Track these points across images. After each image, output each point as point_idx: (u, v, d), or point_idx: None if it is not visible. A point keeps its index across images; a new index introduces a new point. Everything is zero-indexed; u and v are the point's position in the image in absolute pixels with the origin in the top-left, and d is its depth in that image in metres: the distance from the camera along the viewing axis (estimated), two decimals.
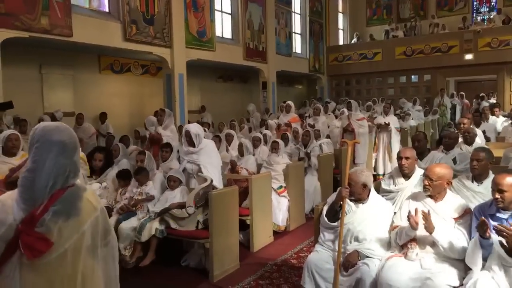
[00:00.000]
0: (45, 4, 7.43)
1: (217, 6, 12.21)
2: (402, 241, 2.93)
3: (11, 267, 1.52)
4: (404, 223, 2.95)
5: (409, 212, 2.82)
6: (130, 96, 11.39)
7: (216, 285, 3.95)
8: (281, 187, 5.55)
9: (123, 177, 4.76)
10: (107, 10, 9.22)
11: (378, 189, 3.55)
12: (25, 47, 8.25)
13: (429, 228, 2.77)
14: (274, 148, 5.72)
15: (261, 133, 7.26)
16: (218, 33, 12.10)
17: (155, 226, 4.23)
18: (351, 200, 3.20)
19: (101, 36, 8.57)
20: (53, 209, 1.53)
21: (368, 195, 3.19)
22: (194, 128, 4.49)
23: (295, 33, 16.27)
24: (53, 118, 7.78)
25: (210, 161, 4.50)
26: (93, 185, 5.09)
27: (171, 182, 4.53)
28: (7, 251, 1.51)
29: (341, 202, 3.13)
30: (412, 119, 11.41)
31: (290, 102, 9.16)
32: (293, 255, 4.64)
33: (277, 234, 5.31)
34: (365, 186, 3.14)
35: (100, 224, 1.68)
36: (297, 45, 16.57)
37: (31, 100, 8.87)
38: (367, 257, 3.00)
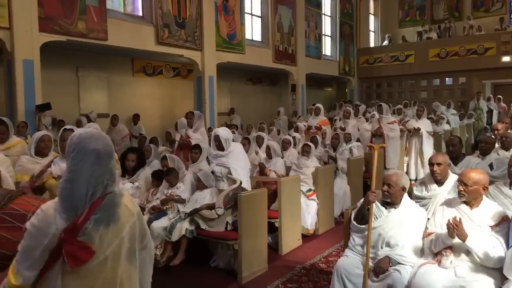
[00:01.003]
0: (82, 8, 7.71)
1: (247, 9, 12.29)
2: (437, 248, 2.86)
3: (53, 274, 1.56)
4: (439, 229, 2.88)
5: (449, 221, 2.74)
6: (161, 98, 11.63)
7: (244, 286, 3.97)
8: (310, 190, 5.52)
9: (157, 177, 4.86)
10: (140, 14, 9.46)
11: (410, 195, 3.48)
12: (63, 50, 8.56)
13: (461, 235, 2.69)
14: (305, 152, 5.69)
15: (291, 135, 7.25)
16: (248, 35, 12.17)
17: (185, 226, 4.30)
18: (384, 203, 3.15)
19: (135, 40, 8.80)
20: (94, 217, 1.55)
21: (401, 200, 3.14)
22: (223, 132, 4.54)
23: (325, 35, 16.15)
24: (88, 119, 8.03)
25: (238, 163, 4.53)
26: (126, 184, 5.22)
27: (197, 183, 4.61)
28: (51, 258, 1.54)
29: (368, 207, 3.09)
30: (447, 123, 11.09)
31: (319, 105, 9.10)
32: (322, 259, 4.61)
33: (305, 237, 5.28)
34: (403, 189, 3.10)
35: (137, 229, 1.71)
36: (327, 48, 16.45)
37: (68, 101, 9.20)
38: (399, 263, 2.95)
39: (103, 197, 1.58)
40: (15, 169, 3.85)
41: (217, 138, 4.50)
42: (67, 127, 3.45)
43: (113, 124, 8.95)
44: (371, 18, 19.38)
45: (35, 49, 7.06)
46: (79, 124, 7.96)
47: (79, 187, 1.55)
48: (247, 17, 12.33)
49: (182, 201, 4.58)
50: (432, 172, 3.39)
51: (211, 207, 4.32)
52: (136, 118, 9.96)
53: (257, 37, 13.01)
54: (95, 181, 1.57)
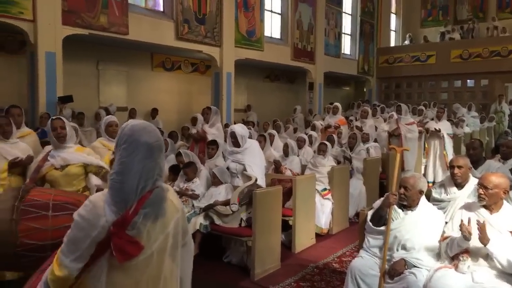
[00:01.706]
0: (105, 3, 7.80)
1: (267, 6, 12.26)
2: (453, 252, 2.81)
3: (98, 268, 1.53)
4: (456, 233, 2.83)
5: (462, 221, 2.70)
6: (179, 93, 11.70)
7: (257, 283, 3.97)
8: (325, 189, 5.49)
9: (174, 172, 4.90)
10: (161, 9, 9.52)
11: (428, 197, 3.42)
12: (84, 43, 8.67)
13: (484, 239, 2.63)
14: (322, 151, 5.66)
15: (306, 134, 7.21)
16: (267, 33, 12.14)
17: (199, 221, 4.32)
18: (400, 206, 3.10)
19: (155, 35, 8.87)
20: (143, 211, 1.52)
21: (418, 203, 3.09)
22: (239, 129, 4.55)
23: (344, 33, 16.01)
24: (108, 112, 8.13)
25: (254, 160, 4.54)
26: None
27: (213, 178, 4.63)
28: (97, 251, 1.51)
29: (388, 209, 3.06)
30: (467, 125, 10.89)
31: (337, 104, 9.03)
32: (335, 259, 4.58)
33: (319, 236, 5.26)
34: (421, 192, 3.06)
35: (180, 225, 1.68)
36: (346, 46, 16.30)
37: (88, 94, 9.33)
38: (415, 266, 2.90)
39: (150, 191, 1.55)
40: (38, 159, 3.93)
41: (233, 135, 4.51)
42: (54, 117, 3.44)
43: (131, 117, 9.05)
44: (393, 17, 19.12)
45: (58, 42, 7.18)
46: (97, 117, 8.08)
47: (130, 180, 1.51)
48: (267, 14, 12.29)
49: (196, 197, 4.61)
50: (453, 175, 3.33)
51: (225, 203, 4.34)
52: (154, 112, 10.06)
53: (276, 34, 12.97)
54: (146, 175, 1.53)
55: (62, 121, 3.26)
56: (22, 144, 3.91)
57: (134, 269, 1.53)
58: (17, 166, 3.67)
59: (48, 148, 3.94)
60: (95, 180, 3.33)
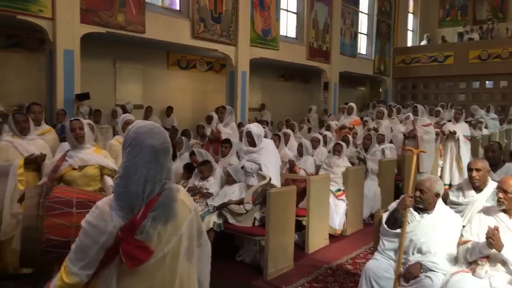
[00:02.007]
0: (122, 1, 7.89)
1: (283, 5, 12.23)
2: (473, 257, 2.76)
3: (108, 274, 1.48)
4: (475, 238, 2.77)
5: (488, 230, 2.63)
6: (194, 92, 11.76)
7: (270, 283, 3.96)
8: (339, 190, 5.45)
9: (189, 170, 4.92)
10: (178, 8, 9.58)
11: (445, 200, 3.37)
12: (101, 41, 8.78)
13: (497, 245, 2.58)
14: (337, 151, 5.61)
15: (321, 134, 7.17)
16: (282, 32, 12.12)
17: (213, 219, 4.33)
18: (416, 209, 3.06)
19: (171, 33, 8.93)
20: (152, 215, 1.47)
21: (434, 205, 3.04)
22: (256, 129, 4.54)
23: (361, 33, 15.88)
24: (124, 110, 8.21)
25: (269, 160, 4.53)
26: None
27: (227, 177, 4.63)
28: (106, 257, 1.47)
29: (404, 211, 3.01)
30: (485, 127, 10.68)
31: (352, 104, 8.95)
32: (349, 260, 4.54)
33: (333, 237, 5.22)
34: (437, 195, 3.00)
35: (194, 225, 1.63)
36: (362, 46, 16.17)
37: (104, 92, 9.45)
38: (431, 270, 2.86)
39: (159, 193, 1.50)
40: (56, 156, 3.99)
41: (249, 134, 4.50)
42: (72, 118, 3.51)
43: (146, 115, 9.13)
44: (410, 17, 18.89)
45: (76, 40, 7.28)
46: (114, 114, 8.17)
47: (133, 184, 1.46)
48: (283, 13, 12.26)
49: (209, 196, 4.62)
50: (471, 178, 3.26)
51: (239, 202, 4.34)
52: (169, 110, 10.13)
53: (292, 33, 12.93)
54: (152, 179, 1.48)
55: (80, 122, 3.32)
56: (39, 141, 3.99)
57: (145, 273, 1.49)
58: (32, 163, 3.74)
59: (65, 146, 4.00)
60: (110, 181, 3.35)
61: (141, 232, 1.46)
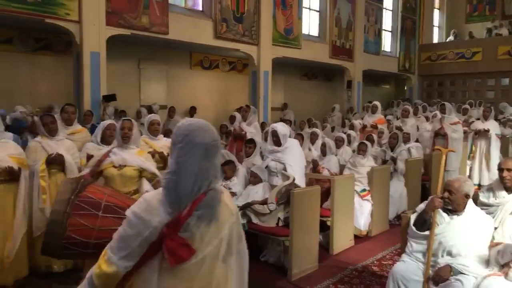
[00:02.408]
0: (146, 3, 7.99)
1: (305, 3, 12.14)
2: (504, 259, 2.66)
3: (150, 270, 1.48)
4: (507, 240, 2.68)
5: None
6: (217, 92, 11.82)
7: (294, 284, 3.93)
8: (364, 190, 5.37)
9: None
10: (200, 8, 9.64)
11: (475, 201, 3.27)
12: (126, 43, 8.92)
13: None
14: (362, 150, 5.53)
15: (345, 133, 7.08)
16: (304, 30, 12.04)
17: None
18: (445, 210, 2.98)
19: (194, 34, 8.99)
20: (197, 213, 1.47)
21: (464, 207, 2.95)
22: (281, 128, 4.51)
23: (385, 30, 15.61)
24: (150, 110, 8.33)
25: (294, 160, 4.48)
26: None
27: (252, 178, 4.61)
28: (149, 252, 1.46)
29: (432, 213, 2.94)
30: None
31: (376, 103, 8.81)
32: (375, 262, 4.47)
33: (358, 238, 5.15)
34: (467, 196, 2.91)
35: (235, 230, 1.60)
36: (387, 43, 15.90)
37: (129, 93, 9.61)
38: (461, 273, 2.78)
39: (205, 193, 1.49)
40: (81, 156, 4.09)
41: (275, 134, 4.48)
42: (125, 118, 3.60)
43: (170, 115, 9.24)
44: (436, 12, 18.46)
45: (102, 42, 7.42)
46: (139, 115, 8.30)
47: (185, 181, 1.46)
48: (305, 12, 12.18)
49: (232, 196, 4.62)
50: (502, 178, 3.16)
51: (263, 202, 4.32)
52: (192, 110, 10.22)
53: (314, 32, 12.82)
54: (201, 176, 1.48)
55: (131, 123, 3.39)
56: (67, 141, 4.09)
57: (185, 274, 1.48)
58: (57, 163, 3.83)
59: (89, 146, 4.10)
60: (146, 186, 3.38)
61: (185, 230, 1.46)
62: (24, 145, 4.09)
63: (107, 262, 1.49)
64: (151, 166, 3.38)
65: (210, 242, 1.51)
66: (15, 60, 8.12)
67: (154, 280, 1.47)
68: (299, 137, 6.34)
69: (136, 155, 3.33)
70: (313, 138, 6.37)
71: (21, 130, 4.74)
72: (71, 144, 4.11)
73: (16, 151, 3.59)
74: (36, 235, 3.70)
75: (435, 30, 18.48)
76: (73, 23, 7.13)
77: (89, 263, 2.96)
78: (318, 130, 6.81)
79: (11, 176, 3.43)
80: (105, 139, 4.16)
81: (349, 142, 6.61)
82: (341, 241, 4.83)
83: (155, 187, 3.32)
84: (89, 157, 3.34)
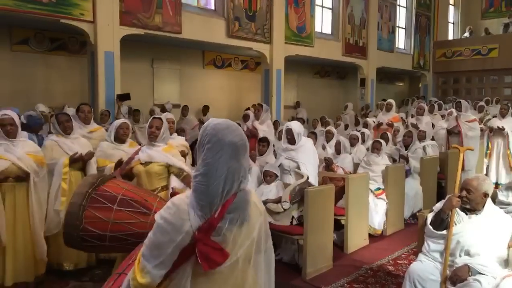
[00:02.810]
0: (159, 3, 8.03)
1: (317, 1, 12.07)
2: None
3: (183, 275, 1.44)
4: None
5: None
6: (229, 90, 11.84)
7: (309, 283, 3.91)
8: (379, 189, 5.31)
9: None
10: (213, 7, 9.65)
11: (493, 200, 3.20)
12: (139, 43, 8.99)
13: None
14: (376, 148, 5.47)
15: (359, 131, 7.02)
16: (317, 28, 11.97)
17: None
18: (463, 209, 2.92)
19: (206, 33, 9.01)
20: (229, 216, 1.43)
21: (483, 206, 2.90)
22: (296, 127, 4.50)
23: (399, 27, 15.43)
24: (164, 109, 8.37)
25: (308, 158, 4.47)
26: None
27: (267, 177, 4.59)
28: (180, 258, 1.42)
29: (450, 212, 2.89)
30: None
31: (391, 100, 8.72)
32: (390, 261, 4.41)
33: (372, 237, 5.10)
34: (485, 195, 2.86)
35: (263, 229, 1.57)
36: (401, 40, 15.71)
37: (143, 92, 9.67)
38: (479, 273, 2.72)
39: (234, 194, 1.45)
40: (96, 155, 4.12)
41: (289, 132, 4.46)
42: (156, 116, 3.65)
43: (183, 114, 9.28)
44: (451, 9, 18.19)
45: (116, 42, 7.49)
46: (152, 114, 8.34)
47: (215, 183, 1.42)
48: (317, 9, 12.10)
49: None
50: None
51: (277, 200, 4.31)
52: (205, 109, 10.25)
53: (327, 29, 12.74)
54: (232, 177, 1.44)
55: (160, 121, 3.41)
56: (82, 139, 4.13)
57: (218, 277, 1.45)
58: (77, 162, 3.87)
59: (103, 145, 4.16)
60: (174, 182, 3.40)
61: (218, 234, 1.42)
62: (39, 144, 4.14)
63: (142, 272, 1.44)
64: (177, 161, 3.39)
65: (243, 244, 1.47)
66: (31, 60, 8.24)
67: (188, 286, 1.44)
68: (312, 135, 6.32)
69: (161, 152, 3.35)
70: (329, 136, 6.33)
71: (35, 128, 4.80)
72: (86, 143, 4.15)
73: (34, 149, 3.66)
74: (48, 235, 3.74)
75: (450, 27, 18.21)
76: (88, 23, 7.20)
77: (120, 259, 3.03)
78: (333, 129, 6.77)
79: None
80: (119, 138, 4.20)
81: (363, 141, 6.55)
82: (356, 240, 4.79)
83: (183, 181, 3.36)
84: (119, 162, 3.45)
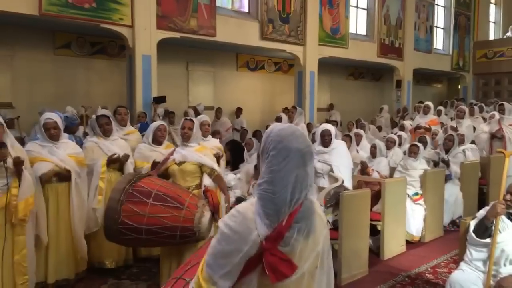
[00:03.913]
0: (194, 6, 8.15)
1: (352, 2, 11.91)
2: None
3: (249, 286, 1.37)
4: None
5: None
6: (262, 93, 11.86)
7: None
8: (416, 194, 5.16)
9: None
10: (247, 10, 9.70)
11: None
12: (175, 46, 9.15)
13: None
14: (413, 152, 5.32)
15: (395, 134, 6.85)
16: (352, 29, 11.80)
17: None
18: (509, 216, 2.80)
19: (240, 35, 9.07)
20: (297, 226, 1.35)
21: None
22: (333, 129, 4.47)
23: (437, 27, 14.99)
24: (196, 111, 8.49)
25: (341, 161, 4.41)
26: (228, 175, 5.43)
27: None
28: (246, 269, 1.34)
29: (494, 219, 2.77)
30: None
31: (429, 103, 8.47)
32: (429, 269, 4.27)
33: (410, 244, 4.96)
34: None
35: (327, 242, 1.48)
36: (439, 41, 15.26)
37: (178, 94, 9.84)
38: None
39: (300, 203, 1.37)
40: (134, 156, 4.23)
41: (327, 132, 4.43)
42: (187, 117, 3.77)
43: (217, 116, 9.37)
44: (492, 7, 17.50)
45: (153, 45, 7.66)
46: (186, 115, 8.47)
47: (282, 190, 1.34)
48: (352, 10, 11.94)
49: None
50: None
51: None
52: (239, 111, 10.30)
53: (362, 30, 12.55)
54: (300, 185, 1.36)
55: (192, 123, 3.55)
56: (121, 141, 4.25)
57: None
58: (115, 162, 3.99)
59: (141, 147, 4.29)
60: (206, 181, 3.55)
61: (286, 244, 1.34)
62: (79, 144, 4.27)
63: (208, 283, 1.37)
64: (209, 161, 3.49)
65: (309, 257, 1.38)
66: (73, 64, 8.57)
67: None
68: (347, 138, 6.21)
69: (194, 152, 3.46)
70: (358, 139, 6.23)
71: (72, 129, 4.99)
72: (125, 144, 4.26)
73: (75, 151, 3.80)
74: (87, 233, 3.86)
75: (491, 26, 17.52)
76: (126, 28, 7.41)
77: (164, 257, 3.13)
78: (361, 131, 6.66)
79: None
80: (156, 140, 4.29)
81: (400, 144, 6.39)
82: (392, 246, 4.67)
83: (214, 181, 3.53)
84: (155, 163, 3.53)
